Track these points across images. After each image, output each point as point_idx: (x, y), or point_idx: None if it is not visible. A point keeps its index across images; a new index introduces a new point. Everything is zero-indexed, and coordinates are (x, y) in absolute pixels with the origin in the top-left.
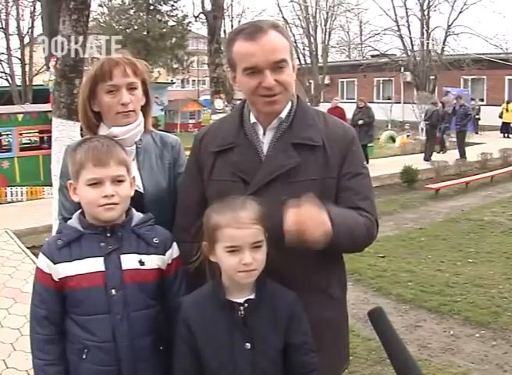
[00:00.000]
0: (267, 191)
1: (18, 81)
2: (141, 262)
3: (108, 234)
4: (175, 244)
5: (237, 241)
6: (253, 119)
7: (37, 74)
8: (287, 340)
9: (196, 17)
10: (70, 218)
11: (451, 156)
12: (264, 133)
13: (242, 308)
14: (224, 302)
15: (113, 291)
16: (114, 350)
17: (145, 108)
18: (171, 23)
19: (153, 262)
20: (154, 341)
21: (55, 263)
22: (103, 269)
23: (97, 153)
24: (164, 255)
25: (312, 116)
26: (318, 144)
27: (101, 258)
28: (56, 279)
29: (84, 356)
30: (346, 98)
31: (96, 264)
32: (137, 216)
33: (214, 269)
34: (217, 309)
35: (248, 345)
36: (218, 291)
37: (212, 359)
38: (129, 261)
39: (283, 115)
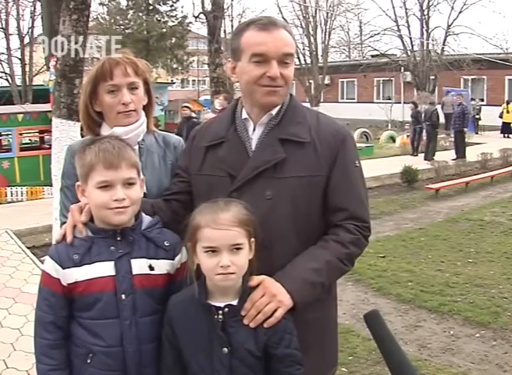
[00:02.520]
0: (252, 186)
1: (18, 81)
2: (151, 267)
3: (119, 238)
4: (184, 248)
5: (215, 242)
6: (244, 115)
7: (37, 74)
8: (269, 351)
9: (196, 17)
10: None
11: (450, 156)
12: (254, 129)
13: (221, 312)
14: (204, 305)
15: (123, 296)
16: (120, 355)
17: (147, 108)
18: (170, 23)
19: (162, 267)
20: (160, 346)
21: (63, 268)
22: (113, 273)
23: (109, 155)
24: (173, 259)
25: (303, 113)
26: (306, 141)
27: (111, 263)
28: (65, 284)
29: (89, 360)
30: (347, 98)
31: (106, 268)
32: (147, 219)
33: (200, 271)
34: (199, 311)
35: (226, 350)
36: (200, 293)
37: (192, 360)
38: (139, 266)
39: (274, 112)
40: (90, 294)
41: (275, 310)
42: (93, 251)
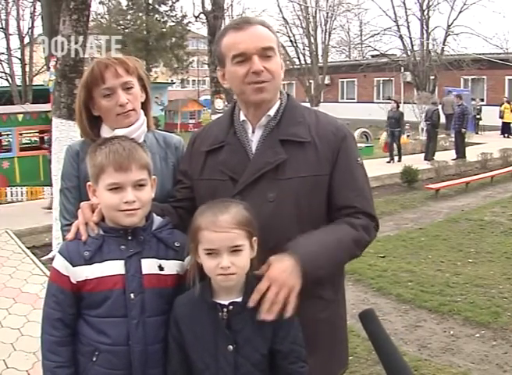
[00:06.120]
0: (254, 189)
1: (18, 81)
2: (161, 268)
3: (130, 237)
4: None
5: (214, 244)
6: (242, 117)
7: (37, 74)
8: (274, 346)
9: (196, 17)
10: (72, 221)
11: (450, 156)
12: (253, 132)
13: (226, 310)
14: (210, 304)
15: (132, 295)
16: (126, 354)
17: (145, 105)
18: (170, 23)
19: (172, 267)
20: (167, 347)
21: (73, 266)
22: (123, 272)
23: (119, 157)
24: (183, 260)
25: (302, 113)
26: (306, 141)
27: (122, 262)
28: (74, 281)
29: (94, 359)
30: (347, 98)
31: (116, 267)
32: (157, 219)
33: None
34: (204, 310)
35: (231, 348)
36: (205, 292)
37: (197, 359)
38: (149, 265)
39: (272, 113)
40: (99, 292)
41: (288, 296)
42: (103, 249)
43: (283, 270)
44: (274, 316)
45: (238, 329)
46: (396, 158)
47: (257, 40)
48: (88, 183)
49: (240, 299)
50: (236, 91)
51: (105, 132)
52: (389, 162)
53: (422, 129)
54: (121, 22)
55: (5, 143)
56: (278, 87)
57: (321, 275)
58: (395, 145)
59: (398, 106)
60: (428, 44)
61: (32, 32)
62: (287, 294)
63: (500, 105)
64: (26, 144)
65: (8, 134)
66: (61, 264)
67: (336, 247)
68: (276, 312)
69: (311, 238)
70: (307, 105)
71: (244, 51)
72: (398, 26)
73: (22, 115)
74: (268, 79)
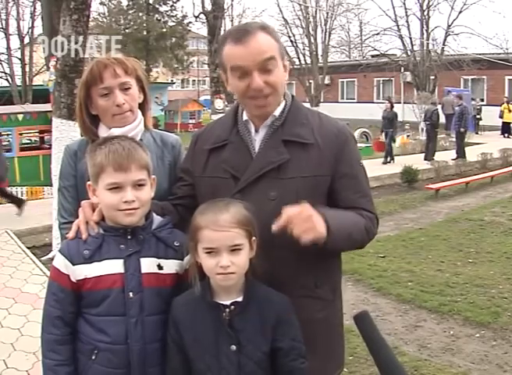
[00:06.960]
0: (256, 188)
1: (18, 81)
2: (160, 267)
3: (129, 237)
4: None
5: (214, 243)
6: (245, 117)
7: (37, 74)
8: (275, 344)
9: (196, 17)
10: (71, 220)
11: (450, 156)
12: (257, 131)
13: (228, 310)
14: (211, 304)
15: (131, 294)
16: (125, 353)
17: (143, 106)
18: (171, 23)
19: (171, 266)
20: (165, 346)
21: (73, 264)
22: (122, 271)
23: (118, 157)
24: (182, 259)
25: (306, 114)
26: (310, 142)
27: (121, 261)
28: (74, 280)
29: (93, 357)
30: (347, 98)
31: (115, 266)
32: (157, 219)
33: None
34: (204, 311)
35: (234, 347)
36: (205, 292)
37: (198, 360)
38: (148, 265)
39: (277, 113)
40: (98, 291)
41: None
42: (103, 248)
43: (316, 215)
44: (311, 236)
45: (240, 328)
46: (395, 158)
47: (256, 53)
48: (88, 182)
49: (240, 299)
50: (238, 100)
51: (103, 131)
52: (389, 162)
53: (422, 129)
54: (121, 22)
55: (5, 143)
56: (281, 96)
57: (338, 246)
58: (392, 145)
59: (392, 106)
60: (428, 44)
61: (32, 32)
62: (312, 226)
63: (500, 105)
64: (26, 144)
65: (8, 134)
66: (61, 262)
67: (352, 226)
68: (310, 232)
69: (333, 212)
70: (307, 105)
71: (243, 66)
72: (398, 26)
73: (22, 115)
74: (269, 92)
